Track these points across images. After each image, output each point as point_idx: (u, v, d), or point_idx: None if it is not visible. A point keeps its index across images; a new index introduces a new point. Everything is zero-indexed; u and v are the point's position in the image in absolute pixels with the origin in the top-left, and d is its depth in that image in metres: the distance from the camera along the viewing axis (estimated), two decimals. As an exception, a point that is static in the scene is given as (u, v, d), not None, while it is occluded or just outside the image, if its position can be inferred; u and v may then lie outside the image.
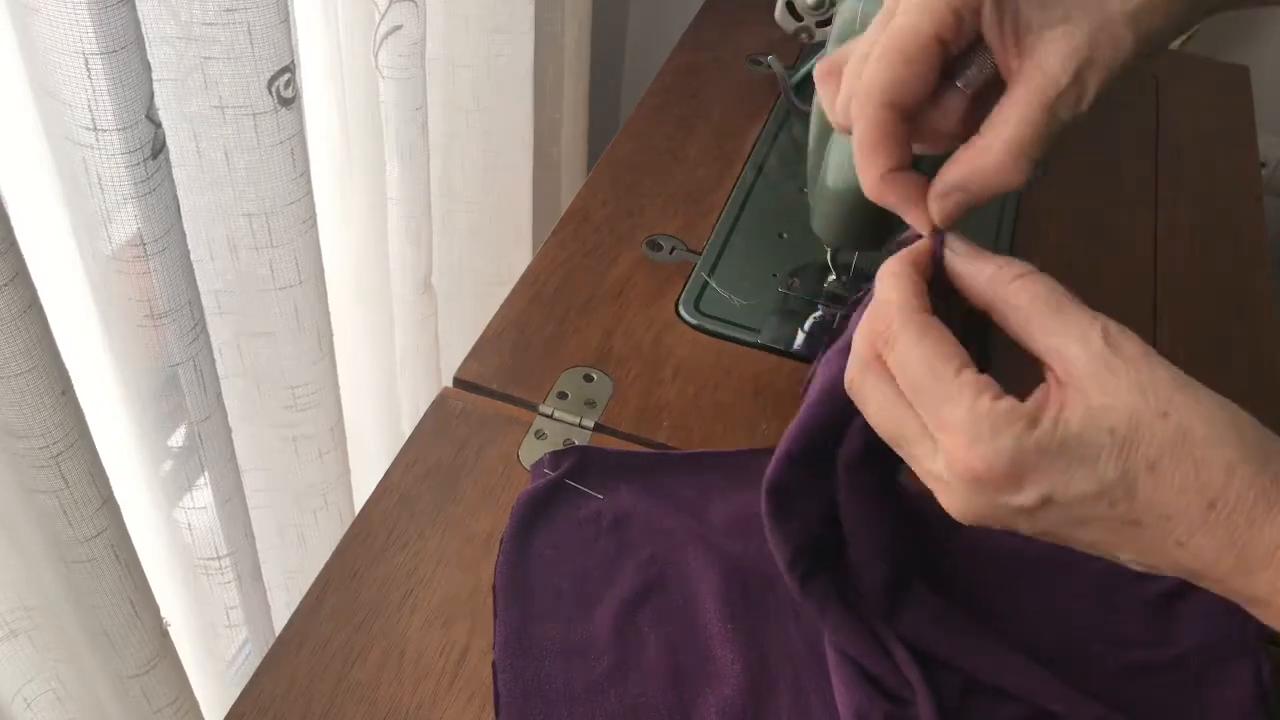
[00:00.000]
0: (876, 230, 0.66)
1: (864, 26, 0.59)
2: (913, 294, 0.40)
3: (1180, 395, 0.36)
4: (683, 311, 0.72)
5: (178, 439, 0.69)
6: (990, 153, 0.39)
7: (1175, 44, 1.26)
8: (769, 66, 0.95)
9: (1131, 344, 0.37)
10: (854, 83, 0.40)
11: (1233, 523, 0.35)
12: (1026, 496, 0.36)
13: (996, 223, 0.82)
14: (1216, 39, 1.28)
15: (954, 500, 0.38)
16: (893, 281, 0.40)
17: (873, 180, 0.41)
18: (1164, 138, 0.96)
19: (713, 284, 0.74)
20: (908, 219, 0.41)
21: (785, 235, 0.79)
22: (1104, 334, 0.37)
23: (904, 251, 0.41)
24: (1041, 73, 0.38)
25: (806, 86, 0.92)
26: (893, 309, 0.39)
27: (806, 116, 0.65)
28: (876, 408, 0.40)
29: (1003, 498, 0.37)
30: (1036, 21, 0.39)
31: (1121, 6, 0.39)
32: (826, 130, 0.63)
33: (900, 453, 0.40)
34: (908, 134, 0.40)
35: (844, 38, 0.61)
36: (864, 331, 0.40)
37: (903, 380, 0.39)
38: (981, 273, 0.40)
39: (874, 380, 0.40)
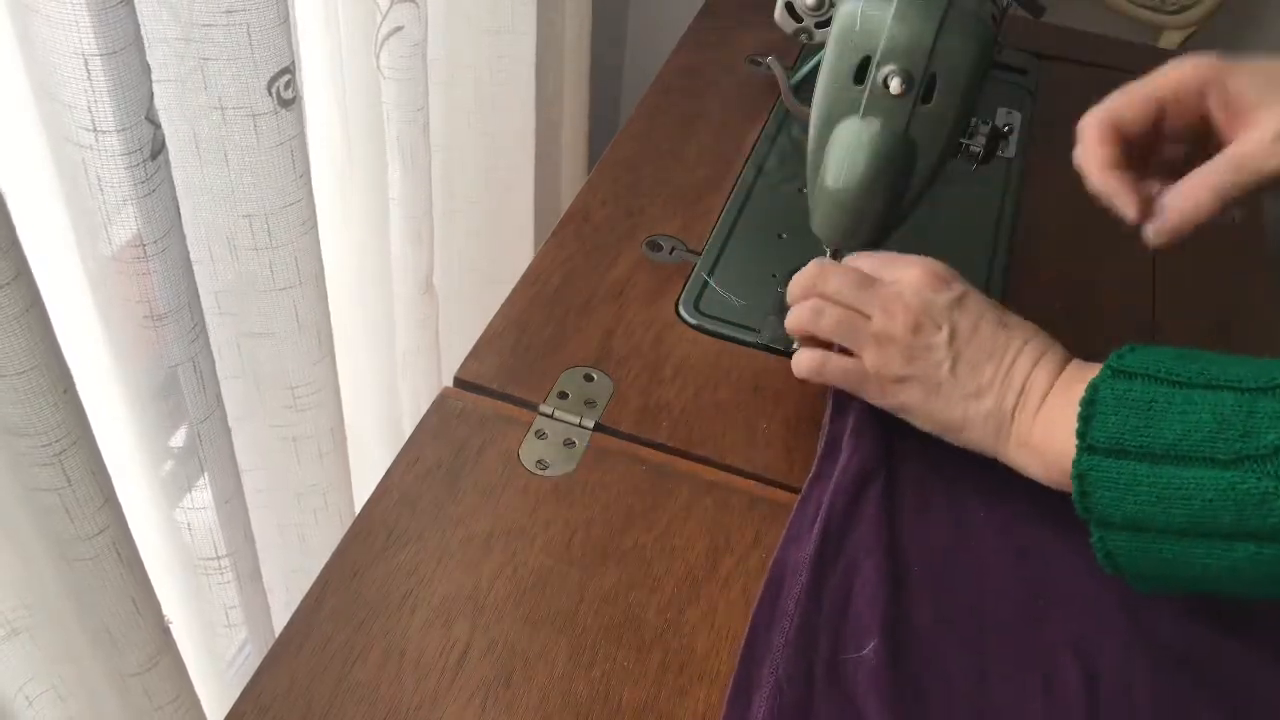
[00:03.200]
0: (875, 231, 0.66)
1: (864, 28, 0.60)
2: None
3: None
4: (683, 311, 0.73)
5: (178, 439, 0.70)
6: (1196, 189, 0.53)
7: (1175, 42, 1.26)
8: (768, 67, 0.95)
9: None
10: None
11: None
12: (952, 292, 0.58)
13: (996, 219, 0.82)
14: (1215, 40, 1.28)
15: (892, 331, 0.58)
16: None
17: (1094, 173, 0.55)
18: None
19: (712, 284, 0.74)
20: (1119, 204, 0.55)
21: (784, 235, 0.79)
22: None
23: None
24: (1255, 136, 0.51)
25: (805, 87, 0.92)
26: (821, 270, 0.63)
27: (805, 118, 0.65)
28: (832, 315, 0.60)
29: (939, 295, 0.58)
30: (1252, 102, 0.52)
31: None
32: (826, 131, 0.63)
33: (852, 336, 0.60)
34: (1119, 144, 0.55)
35: (844, 39, 0.61)
36: (801, 287, 0.62)
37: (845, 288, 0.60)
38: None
39: (821, 304, 0.61)
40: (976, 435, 0.58)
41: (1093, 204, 0.56)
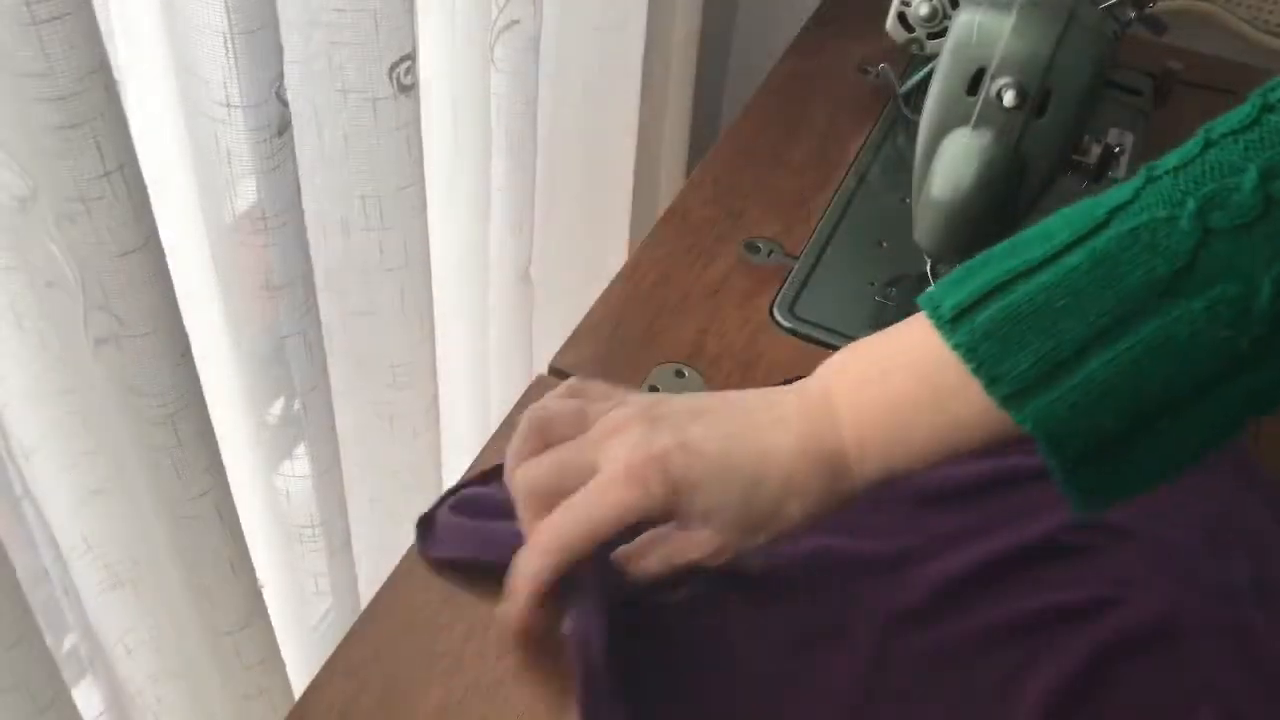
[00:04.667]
0: (979, 243, 0.66)
1: (980, 40, 0.60)
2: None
3: None
4: (777, 315, 0.73)
5: (278, 408, 0.72)
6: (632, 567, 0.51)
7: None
8: (878, 76, 0.95)
9: None
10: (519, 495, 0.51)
11: None
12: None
13: None
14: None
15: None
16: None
17: (530, 594, 0.50)
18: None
19: (809, 289, 0.75)
20: (514, 612, 0.51)
21: (885, 244, 0.79)
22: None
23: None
24: (687, 545, 0.49)
25: (915, 97, 0.91)
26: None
27: (915, 126, 0.65)
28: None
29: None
30: (697, 524, 0.48)
31: (767, 521, 0.48)
32: (934, 141, 0.63)
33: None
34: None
35: (959, 50, 0.61)
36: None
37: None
38: None
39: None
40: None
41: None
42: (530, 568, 0.49)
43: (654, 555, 0.51)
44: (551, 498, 0.49)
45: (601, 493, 0.48)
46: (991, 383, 0.42)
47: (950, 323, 0.43)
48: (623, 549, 0.52)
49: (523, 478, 0.50)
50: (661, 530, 0.51)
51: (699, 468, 0.47)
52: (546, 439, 0.51)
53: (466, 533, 0.58)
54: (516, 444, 0.52)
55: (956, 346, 0.43)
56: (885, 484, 0.47)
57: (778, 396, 0.49)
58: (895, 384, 0.46)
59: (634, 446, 0.47)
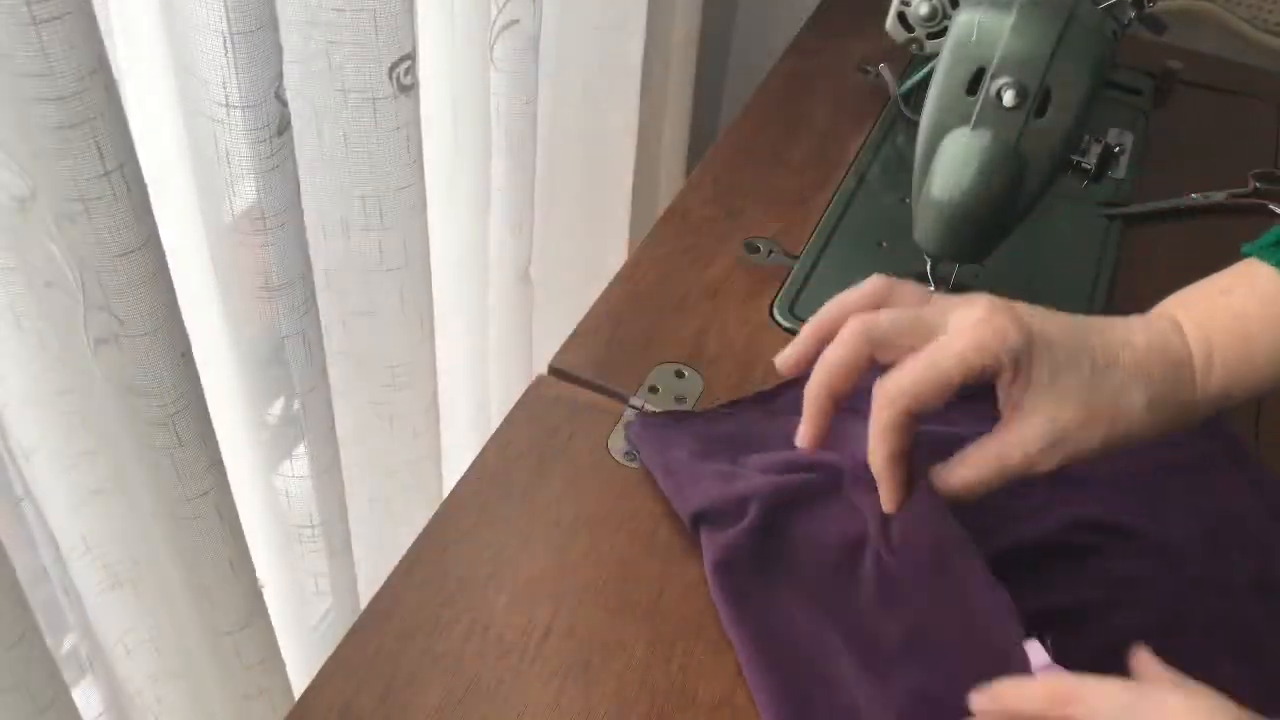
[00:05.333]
0: (979, 243, 0.66)
1: (980, 39, 0.59)
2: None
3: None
4: (777, 315, 0.73)
5: (278, 408, 0.72)
6: (948, 479, 0.50)
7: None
8: (878, 76, 0.95)
9: None
10: (848, 349, 0.49)
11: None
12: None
13: (1102, 238, 0.80)
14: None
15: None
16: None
17: (884, 456, 0.49)
18: (1282, 166, 0.93)
19: (809, 289, 0.75)
20: (883, 491, 0.51)
21: (884, 244, 0.79)
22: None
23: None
24: (1020, 438, 0.48)
25: (914, 97, 0.91)
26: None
27: (915, 126, 0.65)
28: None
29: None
30: (1040, 393, 0.47)
31: (1110, 410, 0.47)
32: (934, 141, 0.63)
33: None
34: (911, 432, 0.49)
35: (959, 50, 0.61)
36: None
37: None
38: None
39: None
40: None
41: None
42: (877, 423, 0.48)
43: (982, 455, 0.49)
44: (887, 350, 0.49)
45: (953, 339, 0.47)
46: None
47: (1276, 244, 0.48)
48: (939, 466, 0.51)
49: (860, 323, 0.49)
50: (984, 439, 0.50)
51: (1054, 329, 0.48)
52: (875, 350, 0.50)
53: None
54: (837, 350, 0.50)
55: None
56: (1221, 405, 0.49)
57: (1118, 318, 0.51)
58: (1237, 300, 0.49)
59: (986, 305, 0.48)
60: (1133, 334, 0.49)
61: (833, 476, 0.58)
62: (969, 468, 0.50)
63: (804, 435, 0.52)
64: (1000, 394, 0.50)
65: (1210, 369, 0.49)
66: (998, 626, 0.49)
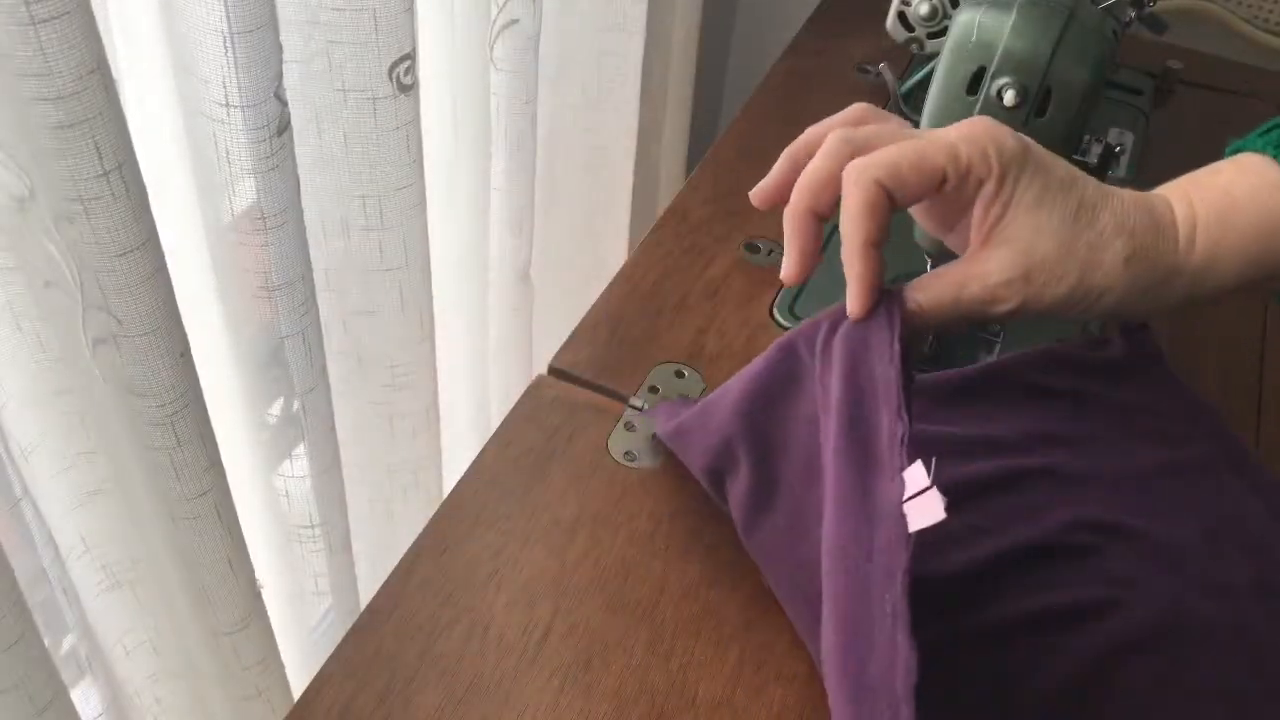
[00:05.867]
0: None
1: (980, 39, 0.59)
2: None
3: None
4: (777, 315, 0.73)
5: (278, 408, 0.72)
6: (910, 305, 0.47)
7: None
8: (878, 75, 0.94)
9: None
10: (830, 158, 0.46)
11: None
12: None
13: None
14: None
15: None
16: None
17: (857, 244, 0.45)
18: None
19: (809, 289, 0.74)
20: (852, 289, 0.47)
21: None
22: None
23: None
24: (983, 269, 0.45)
25: (914, 97, 0.91)
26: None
27: (915, 127, 0.65)
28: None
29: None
30: (1018, 218, 0.45)
31: (1086, 257, 0.45)
32: (934, 140, 0.63)
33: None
34: (890, 220, 0.45)
35: (959, 49, 0.60)
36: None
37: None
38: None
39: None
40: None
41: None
42: (850, 203, 0.44)
43: (940, 280, 0.46)
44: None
45: (946, 131, 0.45)
46: None
47: (1262, 135, 0.46)
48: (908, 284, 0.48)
49: (842, 133, 0.46)
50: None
51: (1051, 158, 0.46)
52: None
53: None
54: (818, 162, 0.46)
55: (1265, 148, 0.45)
56: (1202, 283, 0.47)
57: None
58: (1224, 179, 0.48)
59: (986, 119, 0.46)
60: (1120, 192, 0.48)
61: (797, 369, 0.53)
62: (922, 290, 0.47)
63: (789, 266, 0.48)
64: (976, 216, 0.46)
65: (1194, 236, 0.47)
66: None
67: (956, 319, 0.47)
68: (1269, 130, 0.49)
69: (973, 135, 0.45)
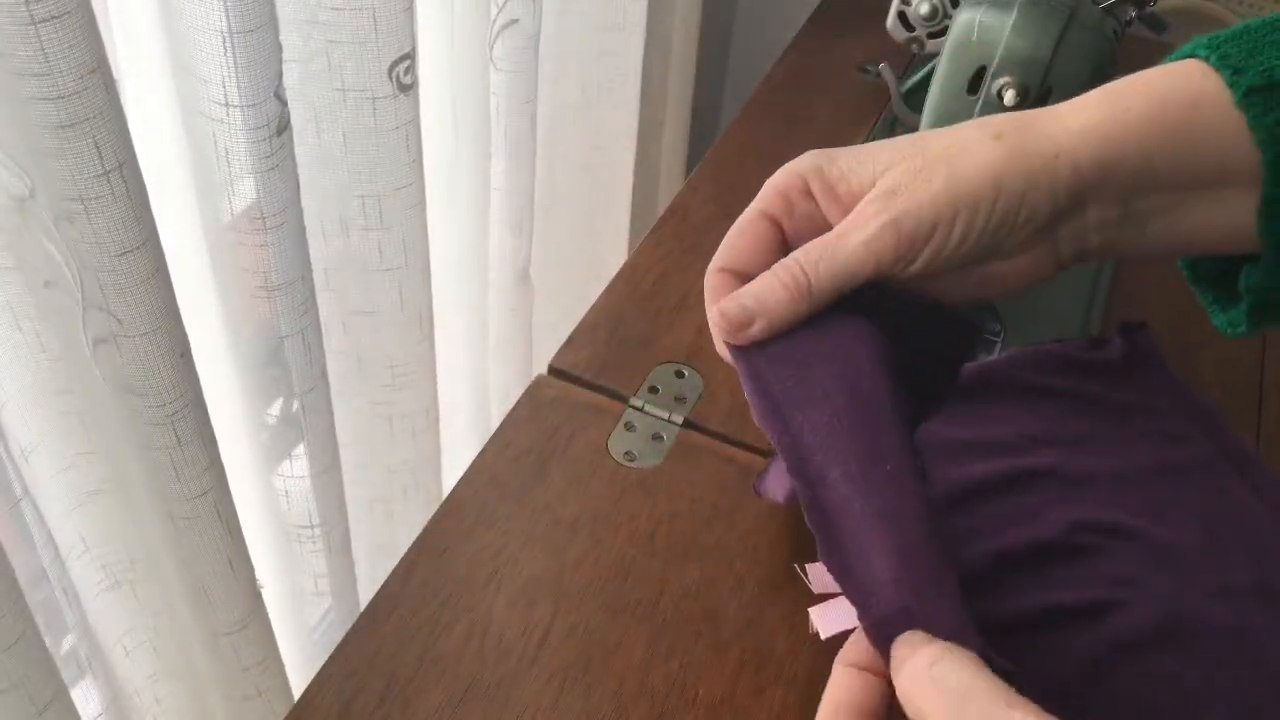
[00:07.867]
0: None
1: (980, 39, 0.59)
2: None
3: None
4: (777, 314, 0.73)
5: (277, 408, 0.72)
6: (777, 289, 0.45)
7: None
8: (878, 75, 0.94)
9: None
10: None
11: None
12: None
13: (1090, 289, 0.79)
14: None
15: None
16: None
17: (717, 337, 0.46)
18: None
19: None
20: (724, 354, 0.47)
21: (884, 244, 0.79)
22: None
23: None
24: (847, 222, 0.44)
25: (914, 97, 0.91)
26: None
27: (914, 127, 0.65)
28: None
29: None
30: (856, 167, 0.45)
31: (947, 148, 0.42)
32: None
33: None
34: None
35: (959, 49, 0.61)
36: None
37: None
38: None
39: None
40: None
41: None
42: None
43: (821, 254, 0.44)
44: None
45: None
46: (1235, 74, 0.37)
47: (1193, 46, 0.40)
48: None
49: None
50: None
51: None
52: None
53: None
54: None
55: (1198, 49, 0.38)
56: (1092, 178, 0.41)
57: None
58: (1119, 84, 0.42)
59: None
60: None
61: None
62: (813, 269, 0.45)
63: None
64: (829, 218, 0.46)
65: (1068, 107, 0.42)
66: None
67: (834, 284, 0.44)
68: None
69: (773, 180, 0.47)
